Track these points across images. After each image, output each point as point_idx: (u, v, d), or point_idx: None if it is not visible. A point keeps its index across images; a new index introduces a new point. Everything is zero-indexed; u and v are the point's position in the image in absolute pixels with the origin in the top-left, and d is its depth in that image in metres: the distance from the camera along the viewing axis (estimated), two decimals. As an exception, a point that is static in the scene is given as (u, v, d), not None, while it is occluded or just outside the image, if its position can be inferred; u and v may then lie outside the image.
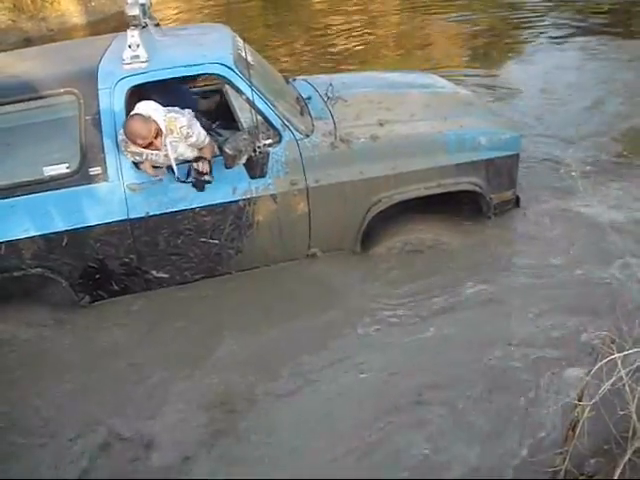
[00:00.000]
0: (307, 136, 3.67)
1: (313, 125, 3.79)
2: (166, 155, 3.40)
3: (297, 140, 3.63)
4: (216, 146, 3.57)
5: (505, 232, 4.18)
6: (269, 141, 3.55)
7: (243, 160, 3.39)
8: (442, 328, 3.50)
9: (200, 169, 3.45)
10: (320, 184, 3.66)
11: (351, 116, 3.95)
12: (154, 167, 3.48)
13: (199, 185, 3.51)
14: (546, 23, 8.83)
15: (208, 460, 2.99)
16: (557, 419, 2.79)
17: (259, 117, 3.50)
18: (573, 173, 4.52)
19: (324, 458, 2.90)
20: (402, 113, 4.00)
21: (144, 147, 3.31)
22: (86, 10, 11.04)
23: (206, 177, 3.49)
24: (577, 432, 2.40)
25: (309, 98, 4.16)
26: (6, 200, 3.47)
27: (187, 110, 3.51)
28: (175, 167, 3.43)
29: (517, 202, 4.17)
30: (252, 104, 3.48)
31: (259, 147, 3.47)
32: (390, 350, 3.40)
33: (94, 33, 5.38)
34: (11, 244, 3.51)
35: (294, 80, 4.56)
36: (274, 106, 3.60)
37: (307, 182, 3.64)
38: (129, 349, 3.59)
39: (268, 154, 3.54)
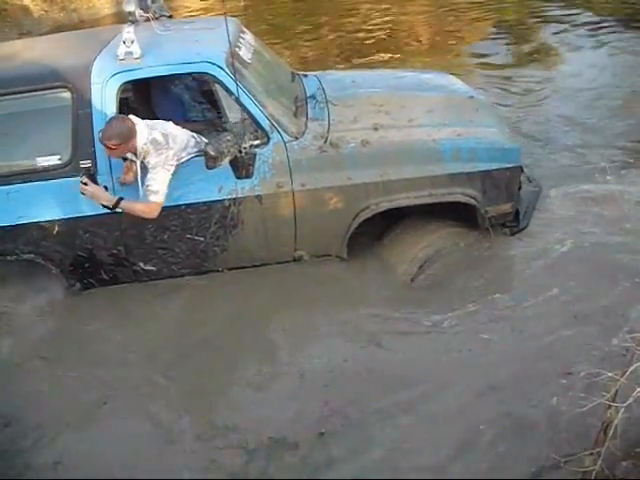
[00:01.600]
0: (296, 138, 3.65)
1: (306, 127, 3.77)
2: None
3: (285, 142, 3.61)
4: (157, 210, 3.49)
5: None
6: (256, 142, 3.55)
7: (225, 162, 3.39)
8: (482, 324, 3.48)
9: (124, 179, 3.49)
10: (306, 188, 3.63)
11: (349, 118, 3.91)
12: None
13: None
14: (578, 16, 8.58)
15: (343, 436, 2.96)
16: (589, 420, 2.70)
17: (247, 118, 3.51)
18: (608, 177, 4.47)
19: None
20: (401, 118, 3.93)
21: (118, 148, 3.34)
22: (116, 1, 11.12)
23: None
24: (609, 434, 2.36)
25: (311, 97, 4.13)
26: (3, 187, 3.59)
27: (175, 159, 3.46)
28: (140, 180, 3.46)
29: (517, 216, 4.04)
30: (240, 104, 3.49)
31: (245, 148, 3.48)
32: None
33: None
34: (5, 230, 3.63)
35: (305, 76, 4.54)
36: (264, 107, 3.58)
37: (293, 185, 3.62)
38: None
39: (255, 155, 3.54)
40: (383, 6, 10.41)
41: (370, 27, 9.33)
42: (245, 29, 4.35)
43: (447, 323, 3.53)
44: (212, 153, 3.33)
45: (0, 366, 3.57)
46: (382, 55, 7.92)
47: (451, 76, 4.94)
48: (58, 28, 9.77)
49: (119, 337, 3.66)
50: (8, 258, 3.70)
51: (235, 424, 3.07)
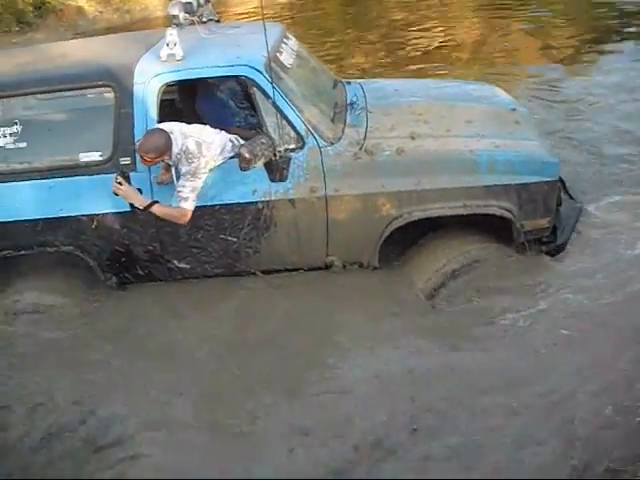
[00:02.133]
0: (332, 144, 3.66)
1: (342, 133, 3.77)
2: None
3: (320, 147, 3.62)
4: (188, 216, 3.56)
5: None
6: (291, 146, 3.59)
7: (259, 164, 3.44)
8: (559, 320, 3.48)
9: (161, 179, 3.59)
10: (339, 194, 3.64)
11: (386, 126, 3.90)
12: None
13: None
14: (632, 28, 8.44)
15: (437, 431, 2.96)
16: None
17: (283, 122, 3.54)
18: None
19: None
20: (439, 127, 3.90)
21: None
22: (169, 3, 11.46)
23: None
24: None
25: (351, 104, 4.15)
26: (46, 181, 3.72)
27: (207, 166, 3.51)
28: (175, 179, 3.54)
29: (554, 232, 3.95)
30: (277, 108, 3.52)
31: (280, 151, 3.52)
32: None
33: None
34: (47, 222, 3.76)
35: (349, 83, 4.56)
36: (300, 111, 3.62)
37: (326, 190, 3.63)
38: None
39: (290, 159, 3.58)
40: (432, 12, 10.44)
41: (418, 32, 9.35)
42: (290, 35, 4.40)
43: (522, 322, 3.50)
44: (246, 155, 3.38)
45: (66, 357, 3.63)
46: (428, 60, 7.95)
47: (496, 88, 4.88)
48: (111, 29, 10.03)
49: (174, 333, 3.70)
50: (48, 249, 3.82)
51: (319, 426, 3.03)
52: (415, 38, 9.16)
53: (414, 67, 7.84)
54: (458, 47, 8.82)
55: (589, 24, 9.13)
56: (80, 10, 10.49)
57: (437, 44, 8.87)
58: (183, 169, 3.48)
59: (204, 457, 2.98)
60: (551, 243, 3.98)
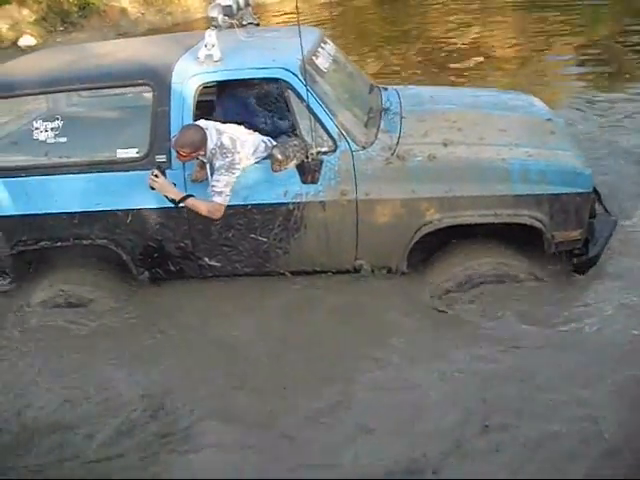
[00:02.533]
0: (364, 148, 3.68)
1: (375, 137, 3.79)
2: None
3: (352, 151, 3.65)
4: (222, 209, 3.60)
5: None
6: (324, 149, 3.63)
7: (291, 166, 3.49)
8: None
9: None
10: (370, 198, 3.66)
11: (420, 132, 3.91)
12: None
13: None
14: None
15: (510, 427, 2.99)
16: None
17: (316, 125, 3.57)
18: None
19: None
20: (472, 135, 3.89)
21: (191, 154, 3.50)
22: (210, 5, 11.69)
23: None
24: None
25: (386, 110, 4.17)
26: (84, 175, 3.82)
27: (241, 163, 3.56)
28: (210, 176, 3.59)
29: (586, 245, 3.89)
30: (311, 111, 3.56)
31: (312, 154, 3.56)
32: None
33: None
34: (85, 215, 3.86)
35: (385, 89, 4.59)
36: (334, 115, 3.65)
37: (357, 194, 3.65)
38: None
39: (322, 161, 3.61)
40: (469, 16, 10.41)
41: (455, 38, 9.38)
42: (327, 40, 4.45)
43: (588, 328, 3.50)
44: (278, 156, 3.44)
45: (115, 352, 3.73)
46: (465, 65, 7.93)
47: (533, 97, 4.83)
48: (153, 30, 10.24)
49: (224, 329, 3.76)
50: (84, 242, 3.93)
51: (384, 425, 3.04)
52: (453, 40, 9.18)
53: (451, 69, 7.88)
54: (497, 50, 8.81)
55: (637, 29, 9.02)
56: (123, 11, 10.80)
57: (475, 48, 8.86)
58: (217, 163, 3.54)
59: (269, 456, 3.01)
60: (582, 256, 3.93)
